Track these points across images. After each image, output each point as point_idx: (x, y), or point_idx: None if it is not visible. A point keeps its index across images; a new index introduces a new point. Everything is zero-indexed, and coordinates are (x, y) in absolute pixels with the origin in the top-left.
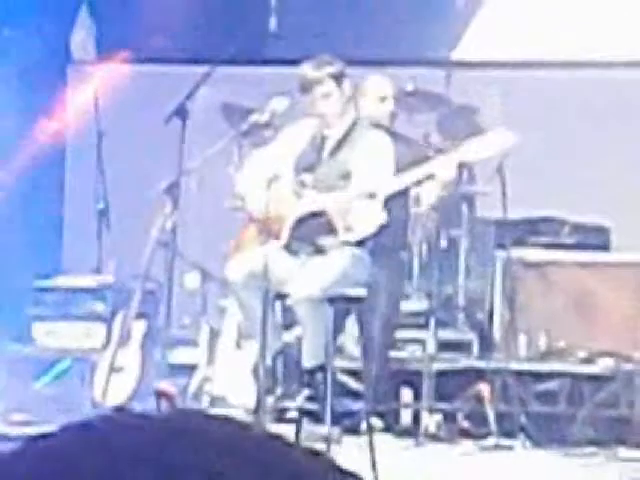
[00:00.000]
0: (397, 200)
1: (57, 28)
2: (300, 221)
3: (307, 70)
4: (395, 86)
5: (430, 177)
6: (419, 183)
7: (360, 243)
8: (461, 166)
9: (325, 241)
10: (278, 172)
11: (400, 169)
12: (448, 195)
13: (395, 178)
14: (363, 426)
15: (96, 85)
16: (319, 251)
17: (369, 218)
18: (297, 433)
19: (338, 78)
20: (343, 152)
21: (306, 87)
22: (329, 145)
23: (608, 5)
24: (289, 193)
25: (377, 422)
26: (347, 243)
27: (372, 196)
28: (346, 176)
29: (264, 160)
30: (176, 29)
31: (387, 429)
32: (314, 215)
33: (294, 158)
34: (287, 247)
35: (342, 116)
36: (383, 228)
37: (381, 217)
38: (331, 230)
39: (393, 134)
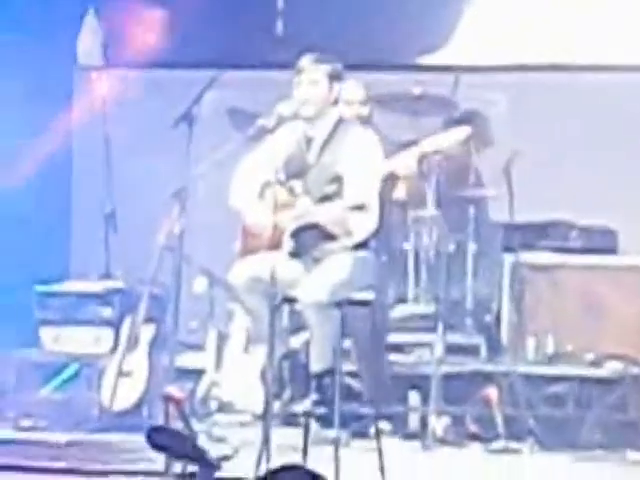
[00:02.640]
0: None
1: (64, 33)
2: (299, 230)
3: (305, 62)
4: (368, 92)
5: (391, 175)
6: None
7: (363, 245)
8: (468, 169)
9: (325, 248)
10: (268, 180)
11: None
12: (456, 198)
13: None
14: (371, 430)
15: (103, 90)
16: (320, 258)
17: (363, 221)
18: (305, 437)
19: (332, 78)
20: (330, 153)
21: (299, 71)
22: (315, 147)
23: (618, 9)
24: (282, 202)
25: (385, 426)
26: (348, 247)
27: (362, 207)
28: (335, 180)
29: (253, 170)
30: (183, 34)
31: (395, 433)
32: (312, 224)
33: (282, 164)
34: (290, 254)
35: (326, 115)
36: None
37: (375, 220)
38: (330, 236)
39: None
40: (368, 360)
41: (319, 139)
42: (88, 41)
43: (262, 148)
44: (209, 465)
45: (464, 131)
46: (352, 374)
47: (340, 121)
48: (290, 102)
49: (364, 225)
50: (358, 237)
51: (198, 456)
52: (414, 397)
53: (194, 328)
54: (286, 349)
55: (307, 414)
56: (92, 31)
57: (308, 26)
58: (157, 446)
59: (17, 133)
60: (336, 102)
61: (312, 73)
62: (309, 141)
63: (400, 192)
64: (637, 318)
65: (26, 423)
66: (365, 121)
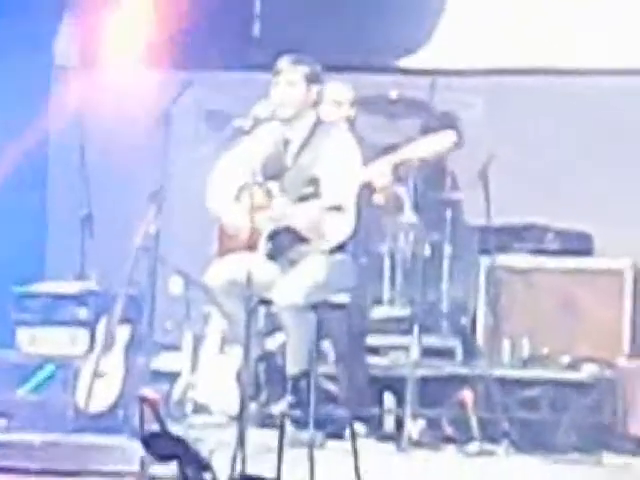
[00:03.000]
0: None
1: (40, 34)
2: (275, 232)
3: (283, 63)
4: (354, 93)
5: (367, 185)
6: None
7: (340, 247)
8: (444, 173)
9: (302, 250)
10: (245, 182)
11: None
12: (432, 201)
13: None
14: (347, 432)
15: (79, 91)
16: (297, 260)
17: (339, 225)
18: (280, 439)
19: (310, 79)
20: (307, 156)
21: (276, 73)
22: (292, 149)
23: (594, 13)
24: (259, 203)
25: (360, 428)
26: (324, 251)
27: (339, 208)
28: (312, 182)
29: (229, 172)
30: (160, 35)
31: (370, 435)
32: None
33: (259, 166)
34: (266, 256)
35: (303, 118)
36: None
37: (352, 223)
38: (306, 239)
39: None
40: (346, 362)
41: (297, 141)
42: (65, 42)
43: (239, 149)
44: (202, 467)
45: (449, 137)
46: (328, 376)
47: (318, 123)
48: (267, 104)
49: (340, 228)
50: (333, 241)
51: (192, 459)
52: (389, 399)
53: (170, 329)
54: (262, 351)
55: (283, 416)
56: (69, 32)
57: (285, 28)
58: (157, 454)
59: None
60: (315, 104)
61: (290, 74)
62: (287, 143)
63: (377, 198)
64: (613, 321)
65: (1, 423)
66: (352, 123)
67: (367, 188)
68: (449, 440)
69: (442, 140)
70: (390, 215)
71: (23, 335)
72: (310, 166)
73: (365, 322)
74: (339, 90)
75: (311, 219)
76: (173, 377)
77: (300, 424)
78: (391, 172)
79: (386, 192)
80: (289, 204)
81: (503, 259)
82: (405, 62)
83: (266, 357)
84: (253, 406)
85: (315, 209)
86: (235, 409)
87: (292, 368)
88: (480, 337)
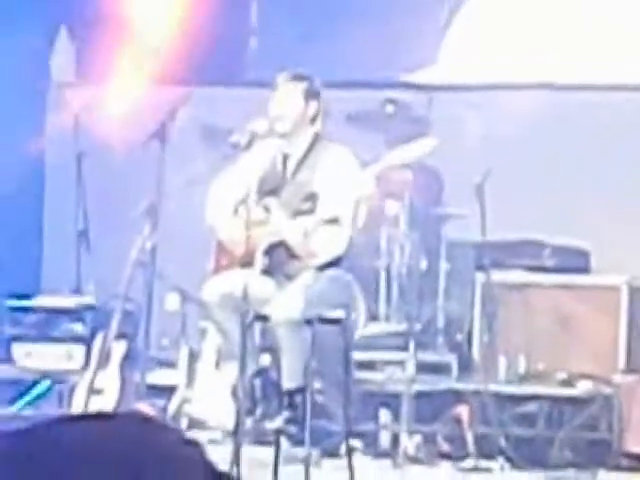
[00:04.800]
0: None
1: (36, 49)
2: (272, 247)
3: (282, 78)
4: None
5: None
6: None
7: (335, 263)
8: (440, 188)
9: (293, 267)
10: (243, 197)
11: None
12: (428, 217)
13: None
14: (342, 448)
15: (76, 106)
16: (293, 276)
17: (332, 242)
18: (276, 455)
19: (308, 95)
20: (306, 171)
21: (275, 88)
22: (291, 164)
23: (591, 28)
24: (256, 219)
25: (356, 444)
26: (319, 266)
27: (334, 221)
28: (310, 197)
29: (228, 187)
30: (156, 50)
31: (366, 451)
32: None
33: (257, 181)
34: (262, 271)
35: (301, 133)
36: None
37: (345, 240)
38: (296, 256)
39: None
40: (334, 378)
41: (295, 156)
42: (61, 57)
43: (238, 165)
44: None
45: (429, 143)
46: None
47: (317, 139)
48: (263, 120)
49: (335, 243)
50: (327, 256)
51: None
52: (385, 415)
53: (166, 345)
54: (257, 366)
55: (278, 432)
56: (65, 48)
57: (283, 43)
58: None
59: None
60: (313, 120)
61: (288, 89)
62: (285, 158)
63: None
64: (609, 338)
65: None
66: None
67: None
68: (445, 456)
69: (420, 147)
70: (385, 228)
71: (19, 350)
72: (308, 182)
73: (352, 338)
74: None
75: (300, 237)
76: (169, 392)
77: (296, 440)
78: (375, 183)
79: (370, 203)
80: (286, 219)
81: (499, 275)
82: (403, 77)
83: (262, 373)
84: (249, 422)
85: (310, 224)
86: (231, 424)
87: (288, 383)
88: (476, 353)
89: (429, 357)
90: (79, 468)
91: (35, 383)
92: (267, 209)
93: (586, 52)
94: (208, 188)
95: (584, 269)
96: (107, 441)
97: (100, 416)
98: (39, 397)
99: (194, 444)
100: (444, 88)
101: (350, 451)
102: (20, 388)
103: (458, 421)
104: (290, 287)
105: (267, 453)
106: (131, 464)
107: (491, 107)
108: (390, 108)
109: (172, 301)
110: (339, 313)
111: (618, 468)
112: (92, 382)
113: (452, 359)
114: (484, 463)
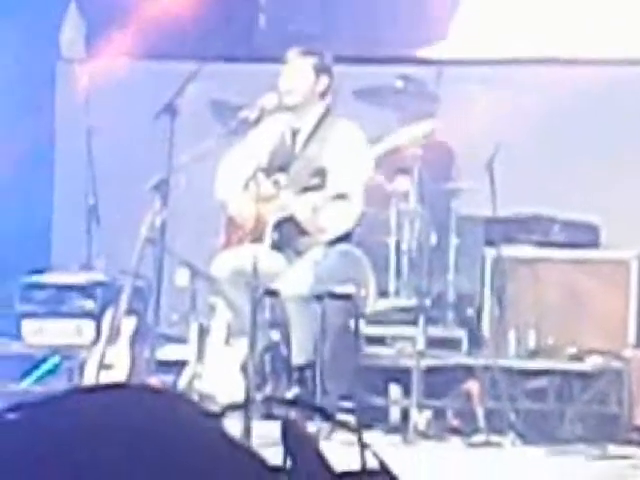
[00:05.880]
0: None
1: (46, 25)
2: (281, 222)
3: (292, 53)
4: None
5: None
6: None
7: (345, 238)
8: (450, 163)
9: (302, 242)
10: (253, 173)
11: None
12: (438, 192)
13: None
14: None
15: (85, 82)
16: (303, 251)
17: (341, 217)
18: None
19: (319, 70)
20: (315, 146)
21: (285, 62)
22: (300, 139)
23: (603, 3)
24: (266, 194)
25: (366, 419)
26: (329, 242)
27: (343, 197)
28: (320, 173)
29: (238, 162)
30: (165, 26)
31: (376, 426)
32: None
33: (267, 156)
34: (272, 246)
35: (311, 108)
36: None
37: (354, 215)
38: (306, 232)
39: None
40: (342, 352)
41: (304, 131)
42: (71, 33)
43: (247, 140)
44: None
45: (427, 126)
46: None
47: (326, 114)
48: (273, 95)
49: (345, 219)
50: (336, 231)
51: None
52: (395, 390)
53: (176, 320)
54: (268, 342)
55: (291, 403)
56: (74, 23)
57: (291, 19)
58: None
59: None
60: (323, 95)
61: (298, 64)
62: (294, 133)
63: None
64: (619, 312)
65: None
66: None
67: None
68: (455, 431)
69: (421, 129)
70: (395, 204)
71: (28, 326)
72: (317, 157)
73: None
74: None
75: (310, 213)
76: (179, 368)
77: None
78: (375, 165)
79: (370, 184)
80: (295, 194)
81: (509, 250)
82: (411, 52)
83: (272, 348)
84: (258, 397)
85: (319, 200)
86: (240, 399)
87: (298, 359)
88: (486, 328)
89: (439, 332)
90: (97, 438)
91: (45, 359)
92: (277, 184)
93: (597, 26)
94: (217, 163)
95: (594, 244)
96: (124, 410)
97: (115, 387)
98: (49, 373)
99: (212, 415)
100: (454, 63)
101: (360, 426)
102: (30, 364)
103: (468, 396)
104: (300, 262)
105: (277, 428)
106: (151, 435)
107: (501, 82)
108: (400, 83)
109: (182, 277)
110: (349, 288)
111: (628, 442)
112: (102, 358)
113: (462, 334)
114: (494, 438)
